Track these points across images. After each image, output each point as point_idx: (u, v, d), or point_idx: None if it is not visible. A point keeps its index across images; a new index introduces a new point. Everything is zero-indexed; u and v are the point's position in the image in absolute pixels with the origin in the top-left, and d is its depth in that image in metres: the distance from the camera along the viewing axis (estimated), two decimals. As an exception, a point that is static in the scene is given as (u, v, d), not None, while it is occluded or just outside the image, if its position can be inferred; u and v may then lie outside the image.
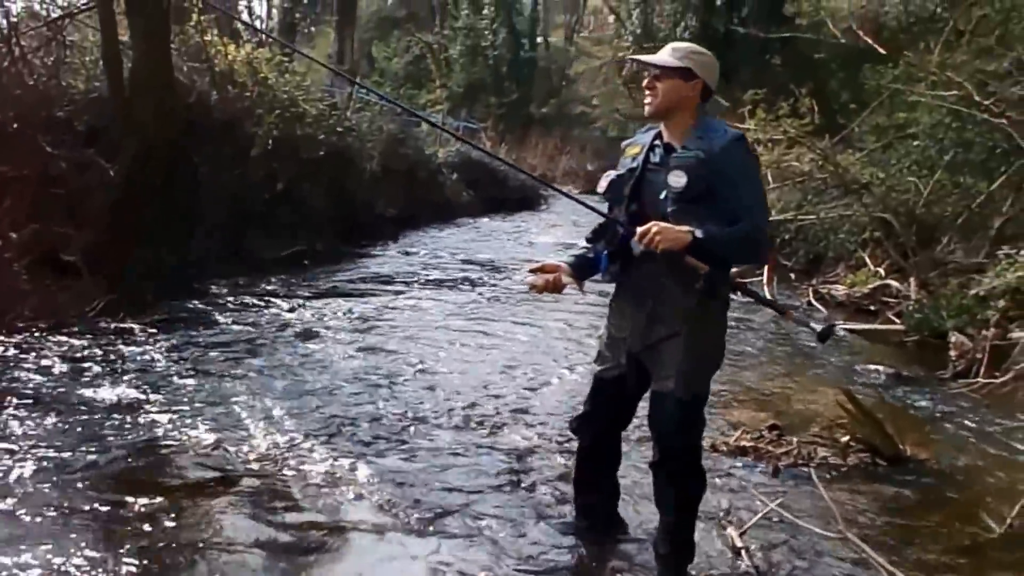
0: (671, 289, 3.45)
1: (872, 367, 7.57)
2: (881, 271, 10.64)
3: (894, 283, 10.13)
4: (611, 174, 3.67)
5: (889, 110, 12.44)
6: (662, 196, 3.40)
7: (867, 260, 11.07)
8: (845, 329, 9.07)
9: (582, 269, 3.68)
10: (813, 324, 3.47)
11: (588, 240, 3.78)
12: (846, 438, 5.45)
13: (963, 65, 10.17)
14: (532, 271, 3.56)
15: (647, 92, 3.50)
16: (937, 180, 10.37)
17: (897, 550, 4.16)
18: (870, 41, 11.37)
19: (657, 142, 3.56)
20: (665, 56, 3.49)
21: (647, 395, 3.72)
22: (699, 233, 3.23)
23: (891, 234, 10.47)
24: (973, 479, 5.17)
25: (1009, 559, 3.94)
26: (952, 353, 7.55)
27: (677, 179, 3.34)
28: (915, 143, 10.93)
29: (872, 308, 10.02)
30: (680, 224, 3.29)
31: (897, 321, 9.08)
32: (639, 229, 3.29)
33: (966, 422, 6.20)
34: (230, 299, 9.40)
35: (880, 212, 10.60)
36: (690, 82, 3.45)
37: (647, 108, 3.52)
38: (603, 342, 3.83)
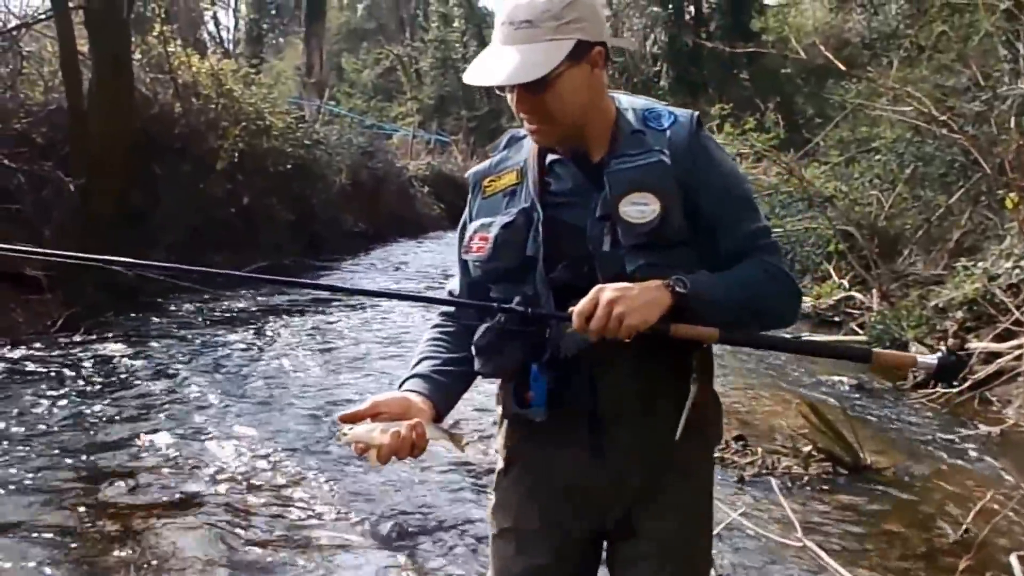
0: (655, 397, 1.96)
1: (835, 378, 7.64)
2: (845, 283, 10.73)
3: (857, 295, 10.22)
4: (488, 224, 2.00)
5: (852, 125, 12.62)
6: (606, 246, 1.88)
7: (832, 272, 11.17)
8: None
9: (449, 395, 2.02)
10: (925, 358, 1.90)
11: (442, 352, 2.08)
12: (808, 448, 5.49)
13: (923, 81, 10.33)
14: (345, 419, 1.88)
15: (526, 118, 1.93)
16: (898, 194, 10.53)
17: (855, 557, 4.20)
18: (831, 57, 11.49)
19: (556, 156, 2.01)
20: (534, 47, 1.83)
21: None
22: (681, 286, 1.79)
23: (854, 247, 10.58)
24: (931, 487, 5.22)
25: (964, 564, 3.98)
26: (912, 364, 7.64)
27: (642, 207, 1.84)
28: (877, 157, 11.08)
29: (836, 319, 10.11)
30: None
31: (860, 332, 9.16)
32: (574, 310, 1.77)
33: (924, 431, 6.27)
34: (193, 315, 9.36)
35: (844, 225, 10.71)
36: (587, 57, 1.88)
37: (538, 138, 1.97)
38: (508, 515, 2.15)
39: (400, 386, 1.99)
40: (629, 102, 2.02)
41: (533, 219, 1.95)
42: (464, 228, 2.10)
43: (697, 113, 1.98)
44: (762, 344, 2.03)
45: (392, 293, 2.39)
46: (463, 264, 2.10)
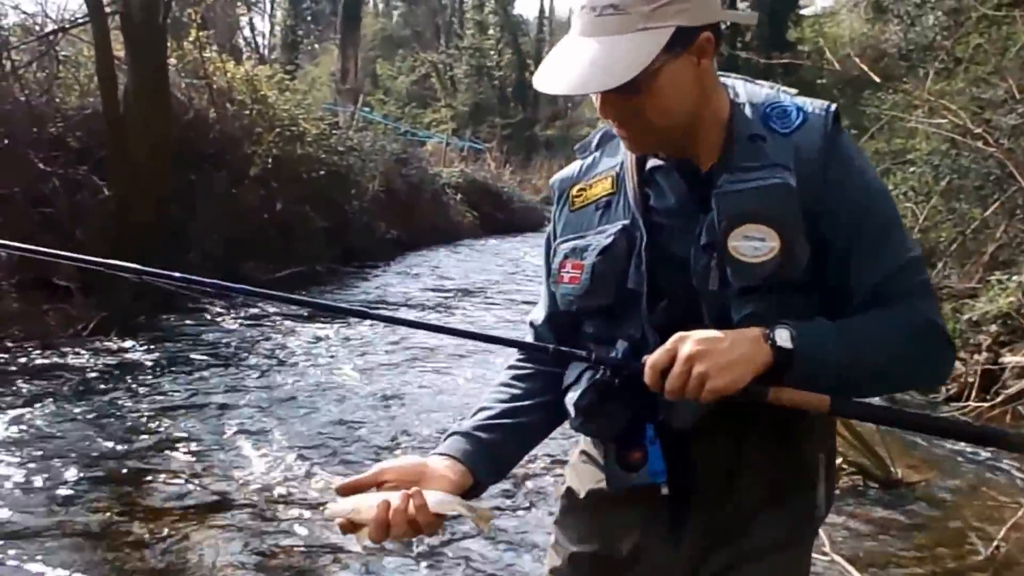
0: (756, 471, 1.61)
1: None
2: (878, 296, 10.66)
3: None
4: (582, 249, 1.64)
5: (888, 136, 12.51)
6: (712, 284, 1.51)
7: (865, 285, 11.10)
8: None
9: (499, 456, 1.67)
10: None
11: (506, 400, 1.72)
12: (838, 461, 5.44)
13: (959, 93, 10.24)
14: (342, 490, 1.50)
15: (615, 126, 1.58)
16: (932, 206, 10.41)
17: (884, 572, 4.17)
18: (866, 69, 11.42)
19: (656, 162, 1.61)
20: (621, 39, 1.43)
21: None
22: (786, 337, 1.42)
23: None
24: (962, 502, 5.18)
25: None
26: (945, 377, 7.60)
27: (757, 243, 1.46)
28: (912, 169, 10.98)
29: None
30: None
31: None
32: (647, 361, 1.44)
33: (956, 446, 6.17)
34: (226, 320, 9.43)
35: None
36: (691, 46, 1.48)
37: (631, 146, 1.60)
38: (562, 565, 1.79)
39: (444, 439, 1.65)
40: (748, 94, 1.59)
41: (636, 241, 1.58)
42: (549, 248, 1.73)
43: (834, 107, 1.55)
44: (893, 422, 1.57)
45: (428, 325, 2.01)
46: (551, 293, 1.74)
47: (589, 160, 1.72)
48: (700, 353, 1.38)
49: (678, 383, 1.39)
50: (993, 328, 7.57)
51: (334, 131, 15.77)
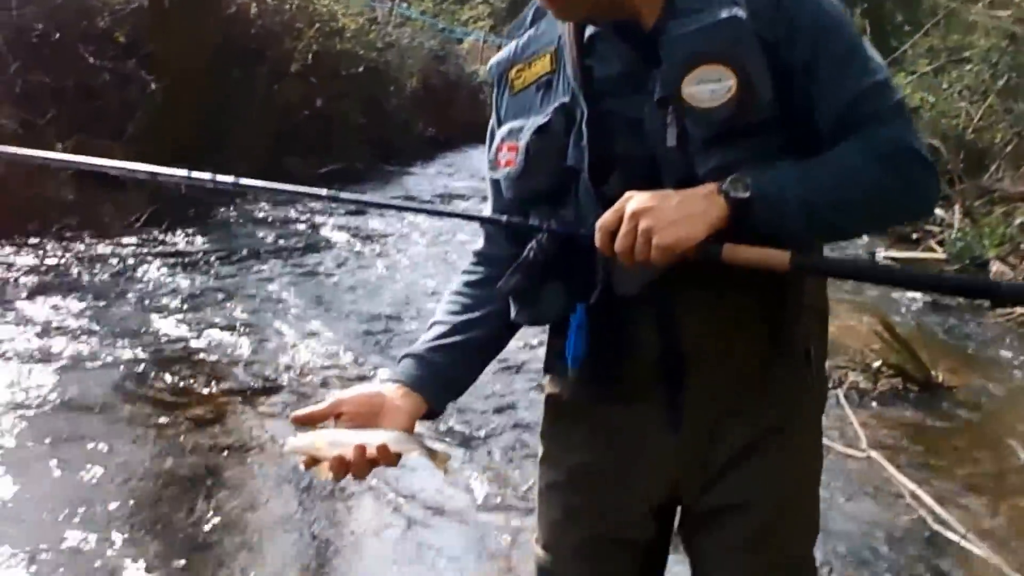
0: (744, 344, 1.48)
1: (910, 294, 7.49)
2: (926, 198, 10.45)
3: (938, 211, 9.93)
4: (518, 130, 1.52)
5: (944, 33, 12.14)
6: (670, 140, 1.38)
7: (912, 186, 10.88)
8: (887, 256, 8.96)
9: (453, 378, 1.61)
10: None
11: (459, 312, 1.63)
12: (878, 363, 5.43)
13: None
14: (298, 420, 1.48)
15: None
16: (988, 105, 10.14)
17: (921, 472, 4.18)
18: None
19: (594, 29, 1.48)
20: None
21: None
22: (739, 189, 1.30)
23: (938, 160, 10.25)
24: (1002, 407, 5.16)
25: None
26: (991, 282, 7.51)
27: (713, 85, 1.32)
28: (968, 67, 10.67)
29: (915, 236, 9.86)
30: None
31: (939, 249, 8.96)
32: (597, 225, 1.34)
33: (1000, 351, 6.16)
34: (270, 214, 9.50)
35: (928, 138, 10.36)
36: None
37: (558, 12, 1.47)
38: (556, 474, 1.66)
39: (399, 362, 1.60)
40: None
41: (576, 117, 1.45)
42: (492, 136, 1.60)
43: None
44: (862, 276, 1.53)
45: (390, 204, 1.89)
46: (494, 184, 1.61)
47: (524, 38, 1.60)
48: (646, 209, 1.29)
49: (626, 242, 1.30)
50: (1044, 233, 7.46)
51: (373, 26, 15.55)
